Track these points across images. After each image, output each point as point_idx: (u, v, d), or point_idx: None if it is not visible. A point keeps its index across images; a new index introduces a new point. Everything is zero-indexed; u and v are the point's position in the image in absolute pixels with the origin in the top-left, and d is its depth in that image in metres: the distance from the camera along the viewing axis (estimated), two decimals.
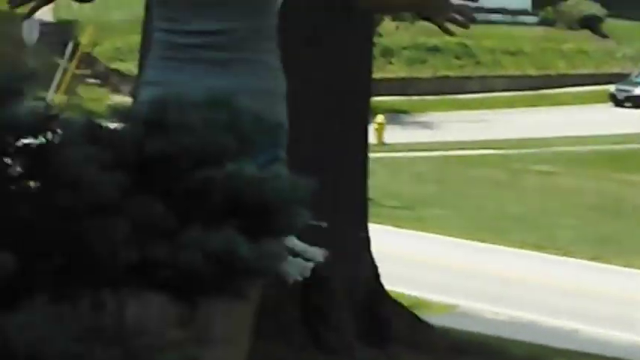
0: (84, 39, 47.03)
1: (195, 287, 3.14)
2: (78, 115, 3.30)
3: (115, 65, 48.02)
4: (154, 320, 3.88)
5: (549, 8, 73.16)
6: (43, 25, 54.35)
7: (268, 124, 3.83)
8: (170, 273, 3.05)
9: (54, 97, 34.88)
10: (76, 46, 42.78)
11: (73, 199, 2.99)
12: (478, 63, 65.24)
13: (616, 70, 67.26)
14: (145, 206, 3.02)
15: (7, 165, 3.02)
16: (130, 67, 44.28)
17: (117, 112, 3.36)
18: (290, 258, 4.74)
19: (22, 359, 2.79)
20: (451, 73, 63.07)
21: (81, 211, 3.00)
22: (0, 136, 3.00)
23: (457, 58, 64.49)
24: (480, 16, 67.49)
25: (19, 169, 3.05)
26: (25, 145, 3.04)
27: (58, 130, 3.10)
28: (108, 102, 44.31)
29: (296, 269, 5.09)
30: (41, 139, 3.06)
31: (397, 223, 21.81)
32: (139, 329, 3.08)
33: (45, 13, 62.45)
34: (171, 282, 3.09)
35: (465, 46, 64.64)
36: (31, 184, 3.06)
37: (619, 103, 62.31)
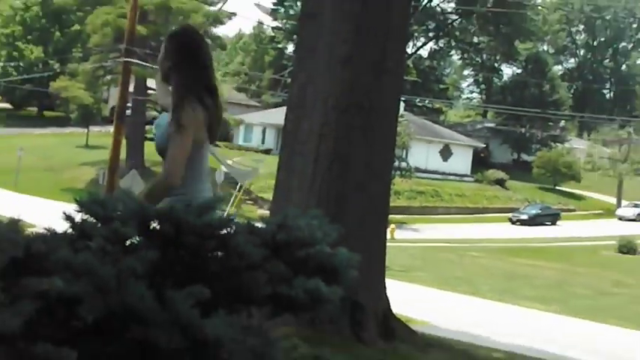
0: (247, 181, 47.55)
1: (295, 307, 3.17)
2: (243, 220, 3.38)
3: (263, 194, 47.70)
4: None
5: (479, 173, 72.70)
6: (227, 174, 54.36)
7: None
8: (287, 300, 3.06)
9: (230, 210, 34.73)
10: (241, 185, 42.89)
11: (240, 262, 3.02)
12: (442, 199, 64.61)
13: (512, 206, 66.70)
14: (275, 266, 3.06)
15: (206, 244, 3.04)
16: (270, 195, 44.89)
17: (264, 219, 3.46)
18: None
19: (212, 345, 2.78)
20: (428, 204, 62.47)
21: (243, 268, 3.02)
22: (205, 229, 3.03)
23: (432, 197, 63.84)
24: (442, 177, 67.05)
25: (212, 246, 3.07)
26: (217, 234, 3.07)
27: (233, 227, 3.14)
28: (257, 214, 44.53)
29: None
30: (224, 231, 3.09)
31: (399, 279, 21.54)
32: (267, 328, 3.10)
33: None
34: (287, 305, 3.11)
35: (437, 191, 64.16)
36: (219, 253, 3.08)
37: (513, 222, 61.78)
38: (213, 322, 2.75)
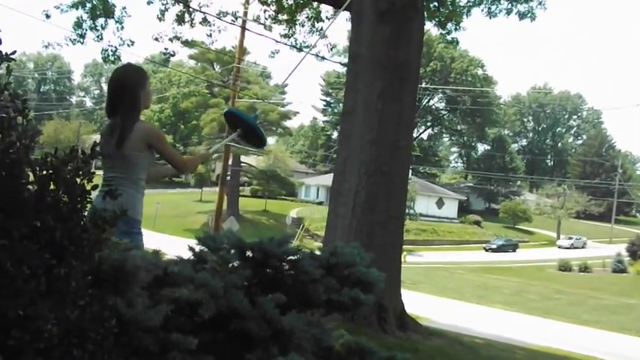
0: (307, 223, 46.91)
1: (342, 309, 3.08)
2: (305, 248, 3.29)
3: (317, 232, 46.88)
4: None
5: (463, 217, 71.73)
6: (293, 218, 53.95)
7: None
8: (337, 304, 2.99)
9: (296, 243, 34.43)
10: (303, 225, 42.83)
11: (305, 277, 2.97)
12: (438, 235, 63.44)
13: (486, 239, 65.44)
14: (329, 281, 3.00)
15: (283, 266, 3.00)
16: (323, 232, 43.15)
17: (320, 249, 3.35)
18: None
19: (287, 333, 2.72)
20: (428, 238, 61.33)
21: (308, 282, 2.97)
22: (282, 255, 2.99)
23: (431, 233, 62.46)
24: (437, 219, 64.80)
25: (287, 267, 3.03)
26: (291, 259, 3.02)
27: (301, 254, 3.08)
28: (314, 245, 43.84)
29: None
30: (295, 257, 3.04)
31: (410, 289, 20.97)
32: (324, 322, 3.00)
33: (291, 214, 61.37)
34: (337, 307, 3.03)
35: (434, 229, 63.13)
36: (291, 272, 3.03)
37: (486, 250, 60.61)
38: (289, 318, 2.71)
